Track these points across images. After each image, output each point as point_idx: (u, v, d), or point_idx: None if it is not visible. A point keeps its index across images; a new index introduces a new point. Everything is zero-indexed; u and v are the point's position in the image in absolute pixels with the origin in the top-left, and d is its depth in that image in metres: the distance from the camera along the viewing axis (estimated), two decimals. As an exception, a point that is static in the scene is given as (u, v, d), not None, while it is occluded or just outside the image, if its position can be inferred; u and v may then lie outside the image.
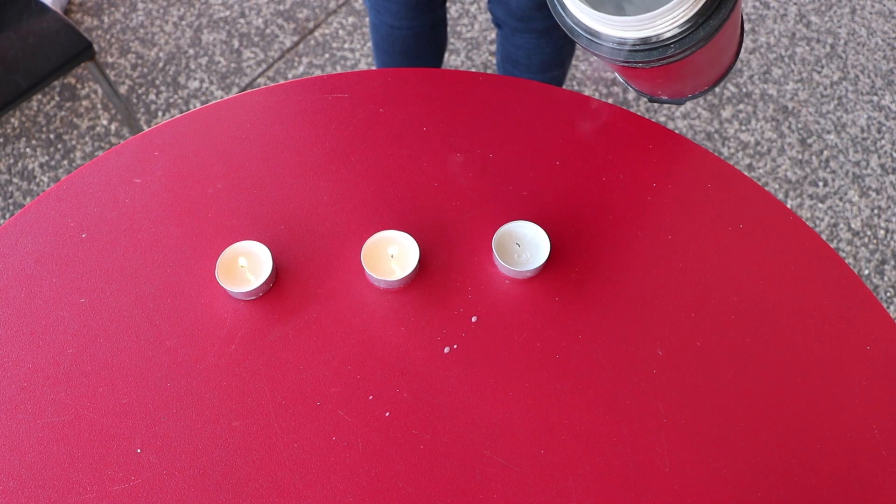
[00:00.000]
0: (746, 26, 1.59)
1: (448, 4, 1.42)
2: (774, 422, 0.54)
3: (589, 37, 0.45)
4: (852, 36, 1.58)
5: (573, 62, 1.50)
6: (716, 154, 0.85)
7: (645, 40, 0.42)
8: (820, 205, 1.34)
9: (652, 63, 0.44)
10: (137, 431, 0.53)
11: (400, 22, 1.03)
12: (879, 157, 1.40)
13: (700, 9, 0.41)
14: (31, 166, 1.33)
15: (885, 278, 1.26)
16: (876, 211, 1.34)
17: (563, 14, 0.45)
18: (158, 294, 0.58)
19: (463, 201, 0.64)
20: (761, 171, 1.38)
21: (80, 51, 0.98)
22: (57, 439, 0.52)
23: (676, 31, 0.41)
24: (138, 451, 0.52)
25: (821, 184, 1.36)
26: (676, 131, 1.19)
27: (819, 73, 1.52)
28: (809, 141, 1.42)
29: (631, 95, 1.46)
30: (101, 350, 0.56)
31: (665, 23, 0.41)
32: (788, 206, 1.32)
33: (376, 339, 0.57)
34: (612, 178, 0.65)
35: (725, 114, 1.45)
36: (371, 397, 0.54)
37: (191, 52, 1.50)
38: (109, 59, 1.48)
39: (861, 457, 0.53)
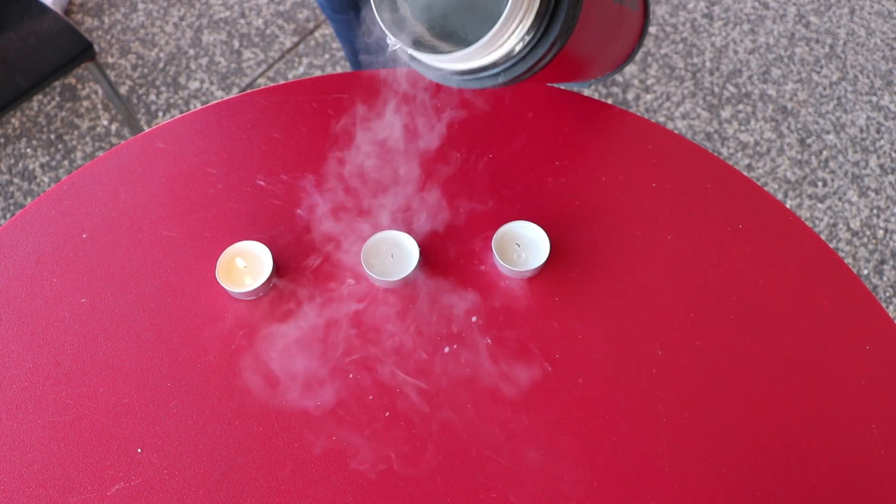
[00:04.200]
0: (745, 27, 1.59)
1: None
2: (774, 422, 0.54)
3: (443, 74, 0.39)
4: (851, 36, 1.59)
5: (573, 62, 1.50)
6: (715, 154, 0.85)
7: (479, 69, 0.37)
8: (819, 205, 1.34)
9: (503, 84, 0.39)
10: (138, 431, 0.53)
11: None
12: (878, 157, 1.40)
13: (529, 26, 0.35)
14: (31, 166, 1.33)
15: (885, 278, 1.26)
16: (875, 211, 1.34)
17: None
18: (159, 294, 0.58)
19: (463, 201, 0.64)
20: (760, 171, 1.38)
21: (80, 51, 0.98)
22: (58, 439, 0.53)
23: (503, 56, 0.36)
24: (139, 450, 0.52)
25: (820, 184, 1.37)
26: (675, 131, 1.19)
27: (818, 73, 1.52)
28: (809, 141, 1.42)
29: (631, 96, 1.46)
30: (101, 350, 0.56)
31: (495, 49, 0.36)
32: (788, 206, 1.32)
33: (376, 338, 0.57)
34: (611, 179, 0.65)
35: (724, 114, 1.45)
36: (371, 397, 0.54)
37: (191, 52, 1.50)
38: (110, 60, 1.49)
39: (860, 456, 0.53)
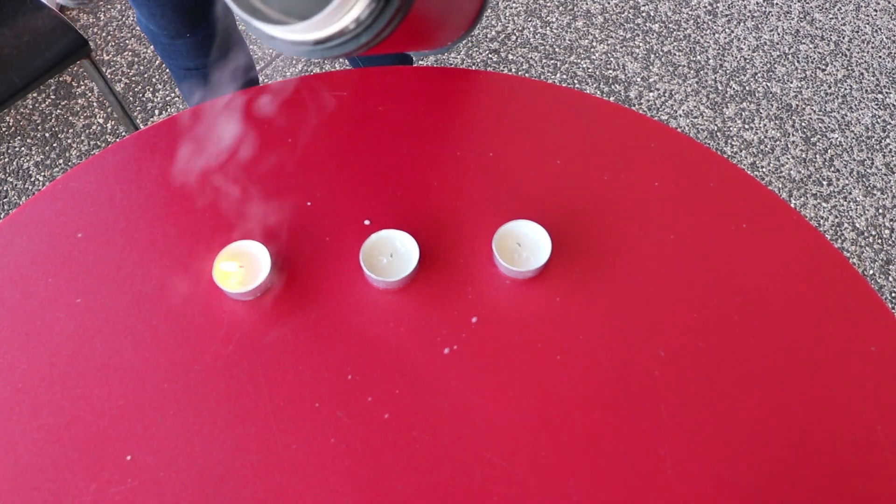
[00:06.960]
0: (750, 23, 1.58)
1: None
2: (777, 423, 0.54)
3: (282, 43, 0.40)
4: (857, 33, 1.57)
5: (576, 60, 1.49)
6: (718, 153, 0.84)
7: (327, 38, 0.37)
8: (824, 204, 1.33)
9: (357, 51, 0.40)
10: (134, 433, 0.52)
11: (193, 62, 0.98)
12: (884, 156, 1.39)
13: None
14: (26, 165, 1.32)
15: (890, 278, 1.25)
16: (881, 210, 1.32)
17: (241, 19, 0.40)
18: (155, 294, 0.58)
19: (463, 201, 0.63)
20: (765, 169, 1.37)
21: (75, 48, 0.97)
22: (52, 441, 0.52)
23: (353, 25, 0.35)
24: (128, 458, 0.51)
25: (825, 183, 1.35)
26: (678, 129, 1.18)
27: (823, 70, 1.51)
28: (813, 139, 1.41)
29: (633, 93, 1.45)
30: (97, 351, 0.55)
31: (339, 20, 0.35)
32: (792, 205, 1.31)
33: (375, 339, 0.56)
34: (613, 177, 0.65)
35: (728, 112, 1.44)
36: (370, 399, 0.54)
37: (190, 49, 1.49)
38: (105, 57, 1.48)
39: (865, 458, 0.52)
